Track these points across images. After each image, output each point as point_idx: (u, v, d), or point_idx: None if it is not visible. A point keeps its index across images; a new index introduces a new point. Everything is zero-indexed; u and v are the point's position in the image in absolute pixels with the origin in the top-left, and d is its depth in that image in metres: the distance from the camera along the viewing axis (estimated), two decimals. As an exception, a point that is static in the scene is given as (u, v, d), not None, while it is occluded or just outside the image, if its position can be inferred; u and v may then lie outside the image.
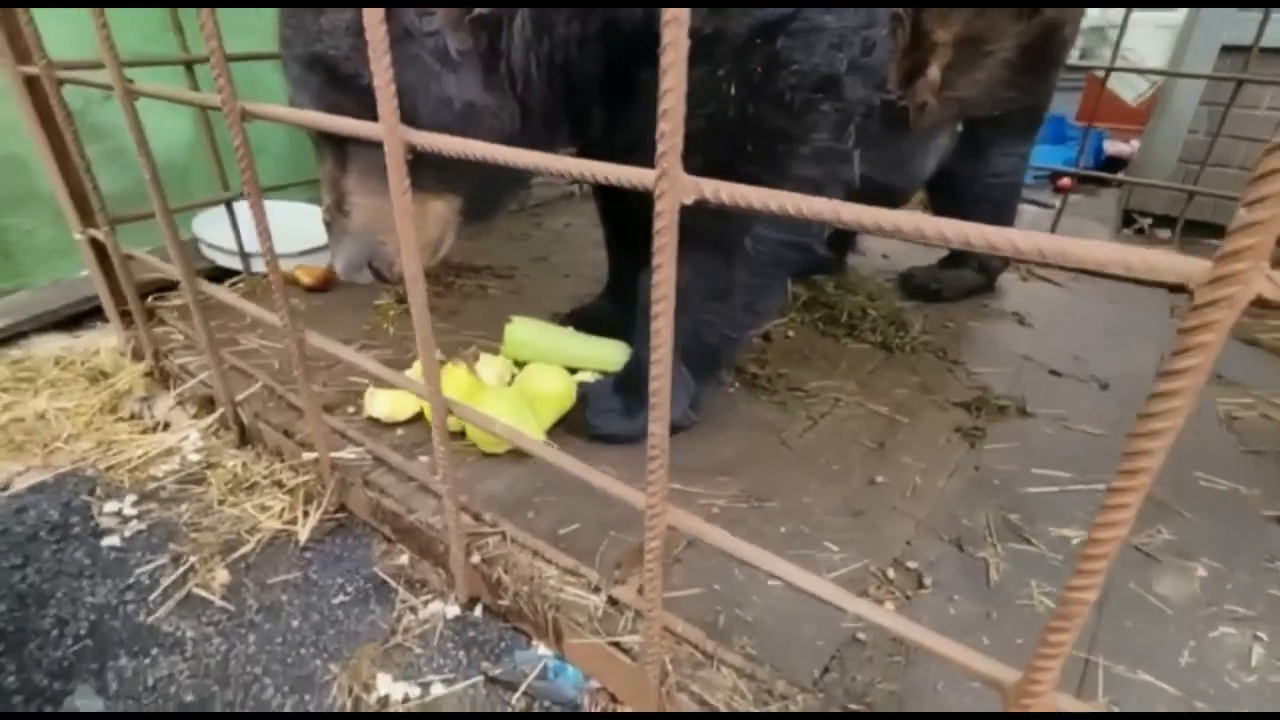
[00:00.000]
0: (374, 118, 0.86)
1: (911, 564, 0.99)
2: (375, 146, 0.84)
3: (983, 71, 1.35)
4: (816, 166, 1.13)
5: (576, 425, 1.25)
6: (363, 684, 0.89)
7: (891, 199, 1.57)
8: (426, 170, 0.92)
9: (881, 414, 1.35)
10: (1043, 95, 1.65)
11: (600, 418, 1.24)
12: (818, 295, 1.81)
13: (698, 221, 1.12)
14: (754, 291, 1.23)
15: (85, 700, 0.86)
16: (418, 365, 1.30)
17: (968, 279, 1.87)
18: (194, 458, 1.32)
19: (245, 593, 1.03)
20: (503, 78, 0.91)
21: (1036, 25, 1.38)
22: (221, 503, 1.19)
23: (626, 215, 1.45)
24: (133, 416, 1.45)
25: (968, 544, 1.03)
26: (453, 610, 1.00)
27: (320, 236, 1.88)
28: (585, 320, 1.52)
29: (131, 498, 1.21)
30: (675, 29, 0.45)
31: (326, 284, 1.85)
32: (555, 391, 1.25)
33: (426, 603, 1.02)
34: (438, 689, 0.90)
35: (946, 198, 1.79)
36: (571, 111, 1.03)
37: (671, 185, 0.50)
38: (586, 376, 1.38)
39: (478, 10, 0.85)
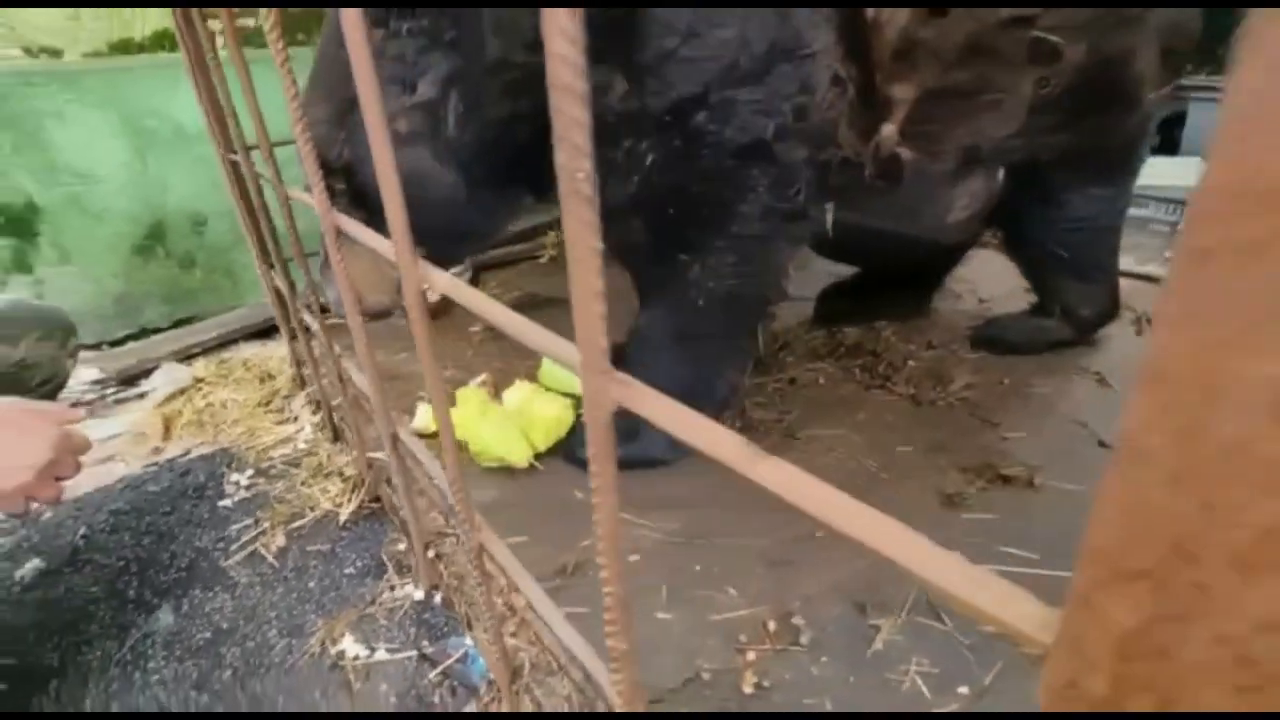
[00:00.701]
0: (346, 185, 1.11)
1: (798, 620, 1.01)
2: (348, 207, 1.13)
3: (993, 120, 1.28)
4: (760, 224, 1.19)
5: (566, 449, 1.42)
6: (332, 639, 1.15)
7: (921, 246, 1.52)
8: (383, 225, 1.15)
9: (868, 470, 1.33)
10: (1127, 134, 1.48)
11: (580, 444, 1.39)
12: (865, 341, 1.78)
13: (641, 264, 1.25)
14: (716, 336, 1.31)
15: (165, 616, 1.22)
16: (422, 408, 1.55)
17: (1049, 330, 1.71)
18: (302, 446, 1.70)
19: (289, 555, 1.35)
20: (445, 152, 1.10)
21: (1076, 66, 1.27)
22: (303, 484, 1.54)
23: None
24: (278, 410, 1.90)
25: (873, 611, 1.03)
26: (419, 595, 1.22)
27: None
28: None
29: (250, 472, 1.61)
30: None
31: (441, 312, 2.21)
32: (549, 416, 1.42)
33: (403, 585, 1.25)
34: (381, 654, 1.12)
35: (1020, 245, 1.66)
36: (521, 174, 1.20)
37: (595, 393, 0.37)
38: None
39: (415, 99, 1.06)
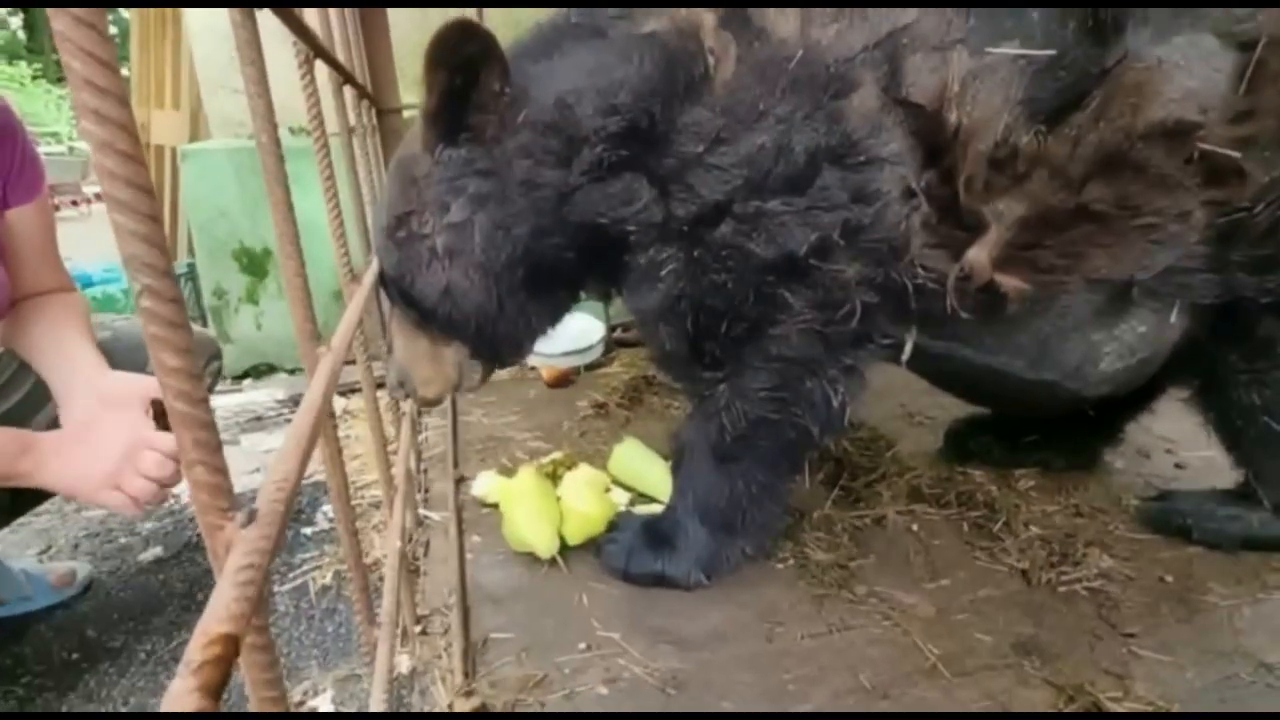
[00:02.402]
0: (398, 291, 1.19)
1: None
2: (403, 307, 1.24)
3: (1145, 250, 1.01)
4: (799, 348, 1.05)
5: (594, 548, 1.34)
6: (315, 690, 1.18)
7: (1059, 397, 1.22)
8: (433, 323, 1.20)
9: (922, 657, 1.07)
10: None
11: (609, 548, 1.31)
12: (988, 489, 1.47)
13: (681, 373, 1.16)
14: (752, 462, 1.17)
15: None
16: (484, 475, 1.57)
17: (1247, 524, 1.27)
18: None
19: (326, 596, 1.43)
20: (476, 269, 1.11)
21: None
22: (374, 528, 1.64)
23: None
24: (394, 454, 2.06)
25: None
26: (406, 668, 1.21)
27: (574, 343, 2.36)
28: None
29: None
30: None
31: (563, 382, 2.26)
32: (584, 512, 1.36)
33: (401, 653, 1.25)
34: None
35: (1217, 407, 1.26)
36: (559, 280, 1.18)
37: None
38: (656, 507, 1.45)
39: (448, 219, 1.09)
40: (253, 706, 0.41)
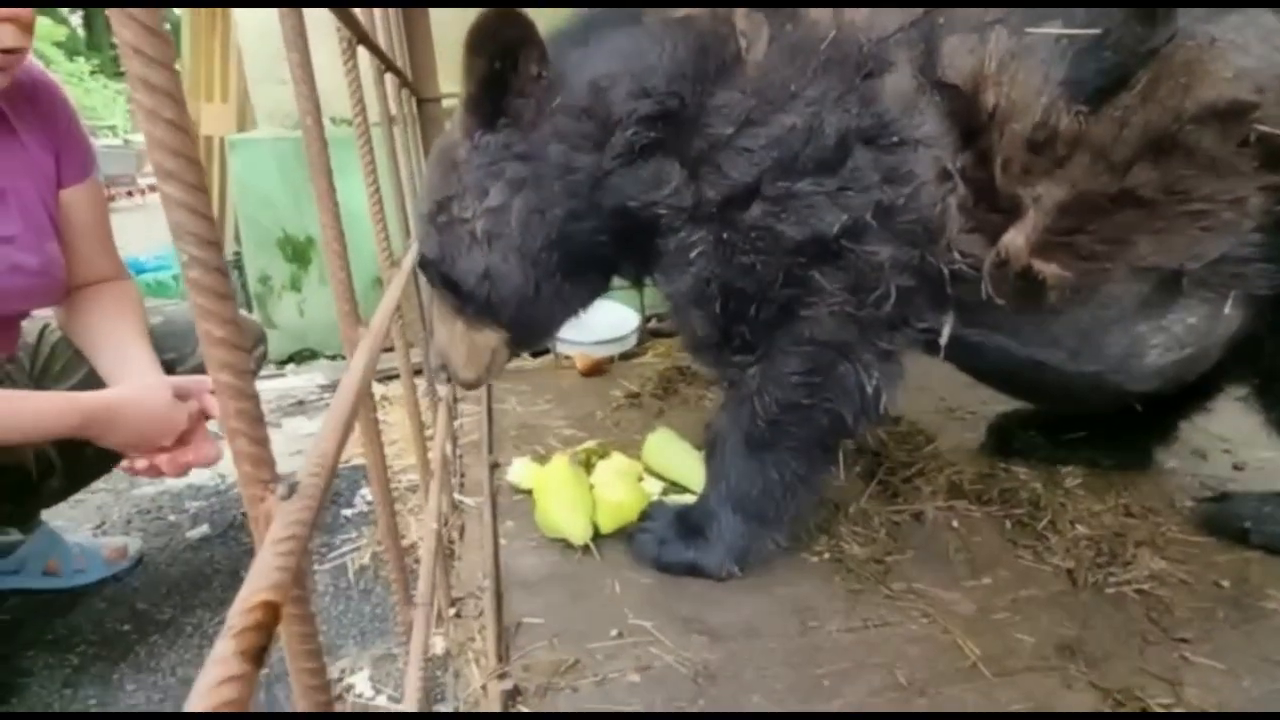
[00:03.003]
0: (440, 276, 1.22)
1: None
2: (442, 291, 1.25)
3: (1195, 237, 0.96)
4: (832, 331, 1.04)
5: (626, 536, 1.34)
6: (352, 669, 1.20)
7: (1104, 390, 1.18)
8: (470, 309, 1.22)
9: (962, 657, 1.05)
10: None
11: (642, 537, 1.30)
12: (1033, 486, 1.43)
13: (713, 358, 1.16)
14: (785, 450, 1.16)
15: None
16: (518, 462, 1.57)
17: (1315, 529, 1.21)
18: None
19: (365, 577, 1.45)
20: (514, 252, 1.13)
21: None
22: (410, 511, 1.66)
23: None
24: (431, 438, 2.09)
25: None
26: (440, 649, 1.23)
27: (609, 332, 2.36)
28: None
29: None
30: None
31: (597, 371, 2.27)
32: (616, 500, 1.36)
33: (436, 634, 1.27)
34: (381, 700, 1.14)
35: (1274, 394, 1.21)
36: (594, 264, 1.19)
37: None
38: (689, 496, 1.44)
39: (486, 204, 1.10)
40: (292, 676, 0.42)
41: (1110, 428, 1.51)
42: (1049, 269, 0.99)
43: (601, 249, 1.15)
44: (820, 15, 0.99)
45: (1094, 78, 0.93)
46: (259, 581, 0.31)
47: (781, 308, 1.05)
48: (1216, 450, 1.57)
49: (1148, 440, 1.53)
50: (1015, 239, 0.97)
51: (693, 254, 1.06)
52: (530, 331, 1.28)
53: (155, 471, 1.20)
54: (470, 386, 1.42)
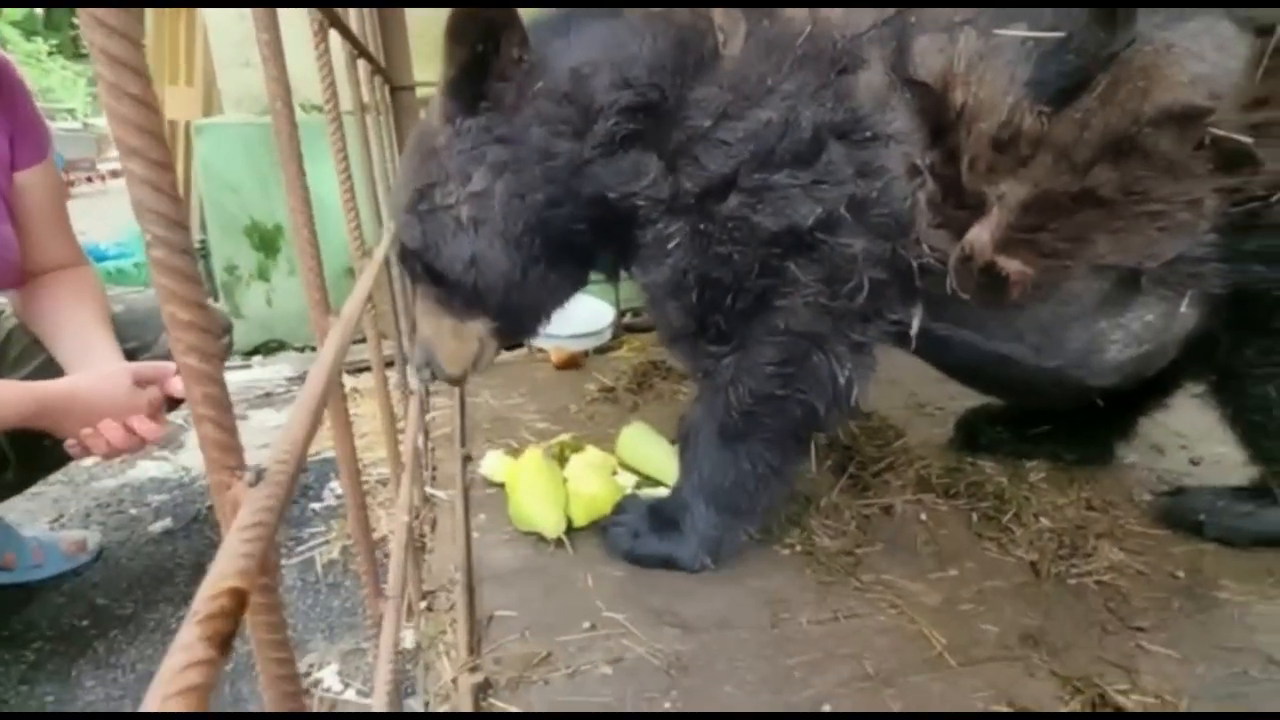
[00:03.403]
0: (423, 266, 1.20)
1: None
2: (428, 284, 1.22)
3: (1152, 237, 0.99)
4: (807, 322, 1.06)
5: (599, 530, 1.34)
6: (320, 664, 1.18)
7: (1066, 386, 1.21)
8: (458, 299, 1.20)
9: (928, 647, 1.07)
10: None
11: (615, 530, 1.30)
12: (998, 480, 1.46)
13: (687, 349, 1.16)
14: (758, 442, 1.17)
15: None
16: (491, 455, 1.57)
17: (1261, 521, 1.25)
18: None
19: (333, 571, 1.44)
20: (499, 237, 1.12)
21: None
22: (380, 504, 1.64)
23: None
24: (402, 432, 2.06)
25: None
26: (410, 643, 1.22)
27: (584, 326, 2.35)
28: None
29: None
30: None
31: (571, 365, 2.26)
32: (590, 494, 1.36)
33: (406, 628, 1.26)
34: (350, 695, 1.13)
35: (1233, 402, 1.24)
36: (573, 254, 1.18)
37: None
38: (662, 490, 1.44)
39: (470, 188, 1.09)
40: (260, 666, 0.41)
41: (1073, 423, 1.55)
42: (1011, 265, 1.01)
43: (580, 237, 1.14)
44: (796, 12, 1.00)
45: (1056, 79, 0.95)
46: (225, 567, 0.31)
47: (757, 298, 1.06)
48: (1174, 446, 1.62)
49: (1108, 436, 1.57)
50: (980, 235, 0.99)
51: (670, 245, 1.07)
52: (518, 320, 1.27)
53: (103, 445, 1.14)
54: (456, 382, 1.41)
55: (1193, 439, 1.62)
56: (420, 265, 1.20)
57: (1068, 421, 1.55)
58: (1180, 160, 0.96)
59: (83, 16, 0.30)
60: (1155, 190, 0.97)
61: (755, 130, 0.98)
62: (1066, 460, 1.55)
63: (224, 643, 0.27)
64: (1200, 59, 0.94)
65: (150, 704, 0.24)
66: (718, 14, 1.02)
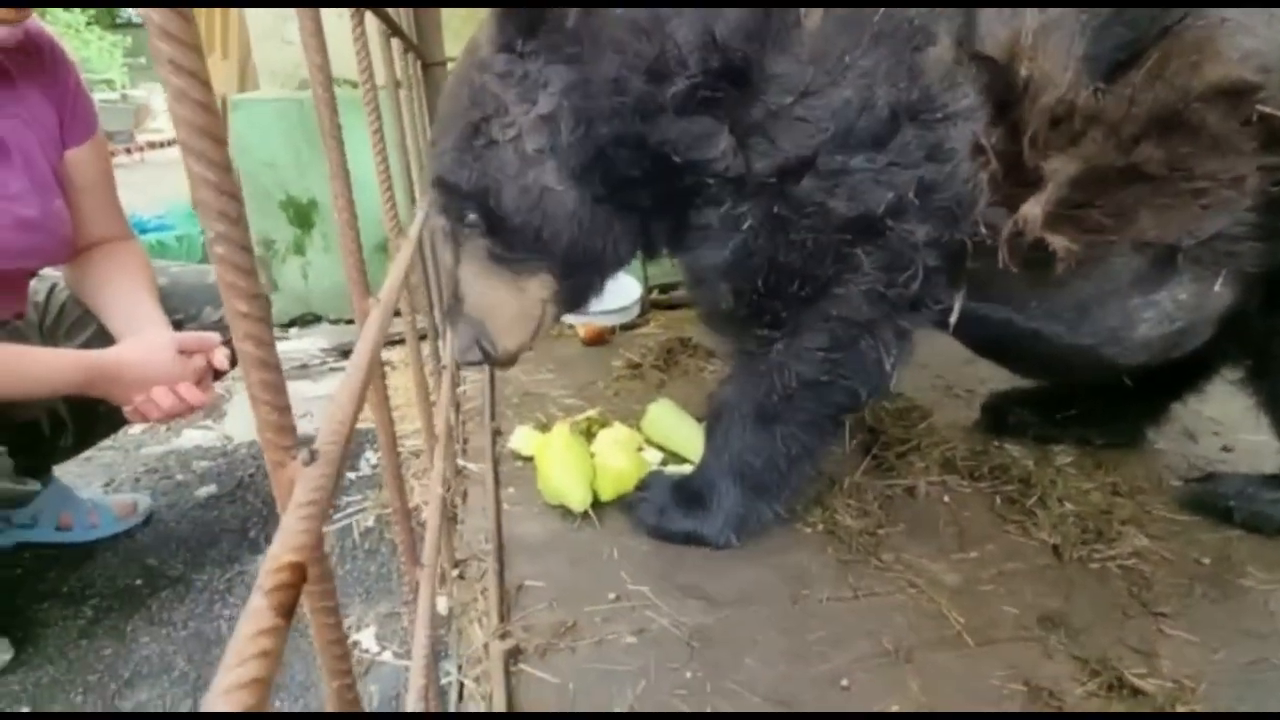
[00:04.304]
0: (478, 210, 1.12)
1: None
2: (481, 235, 1.14)
3: (1194, 213, 0.98)
4: (861, 310, 1.07)
5: (625, 504, 1.37)
6: (358, 626, 1.24)
7: (1096, 363, 1.20)
8: (519, 247, 1.13)
9: (948, 626, 1.08)
10: None
11: (641, 505, 1.33)
12: (1024, 464, 1.45)
13: (735, 332, 1.15)
14: (795, 424, 1.18)
15: (260, 561, 1.42)
16: (520, 429, 1.60)
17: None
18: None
19: (369, 538, 1.49)
20: (566, 170, 1.06)
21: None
22: (414, 475, 1.69)
23: None
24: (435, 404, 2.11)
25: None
26: (444, 608, 1.27)
27: (612, 302, 2.37)
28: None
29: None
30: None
31: (599, 340, 2.28)
32: (617, 469, 1.39)
33: (440, 594, 1.31)
34: (386, 656, 1.18)
35: (1266, 386, 1.23)
36: (636, 208, 1.13)
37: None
38: (687, 467, 1.47)
39: (536, 111, 1.04)
40: (314, 631, 0.44)
41: (1102, 407, 1.53)
42: (1058, 241, 1.00)
43: (638, 193, 1.09)
44: None
45: (1110, 53, 0.93)
46: (286, 543, 0.33)
47: (816, 284, 1.05)
48: (1207, 432, 1.59)
49: (1139, 420, 1.56)
50: (1033, 209, 0.97)
51: (738, 227, 1.05)
52: (582, 274, 1.18)
53: (156, 410, 1.20)
54: (510, 361, 1.28)
55: (1227, 425, 1.60)
56: (475, 210, 1.11)
57: (1097, 405, 1.53)
58: (1226, 136, 0.94)
59: (148, 24, 0.32)
60: (1200, 166, 0.95)
61: (835, 109, 0.96)
62: (1095, 444, 1.54)
63: (289, 611, 0.30)
64: (1252, 34, 0.92)
65: (228, 666, 0.26)
66: None
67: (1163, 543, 1.24)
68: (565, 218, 1.09)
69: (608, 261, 1.20)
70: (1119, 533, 1.25)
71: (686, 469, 1.44)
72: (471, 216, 1.12)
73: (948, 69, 0.96)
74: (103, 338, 1.29)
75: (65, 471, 1.59)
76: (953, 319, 1.13)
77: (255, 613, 0.28)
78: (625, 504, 1.37)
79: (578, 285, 1.22)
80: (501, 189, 1.07)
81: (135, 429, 1.91)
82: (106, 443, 1.71)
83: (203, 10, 3.27)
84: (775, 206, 1.03)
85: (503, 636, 1.07)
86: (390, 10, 1.30)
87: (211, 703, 0.24)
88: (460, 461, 1.57)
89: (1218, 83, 0.91)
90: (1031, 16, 0.93)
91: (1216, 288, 1.08)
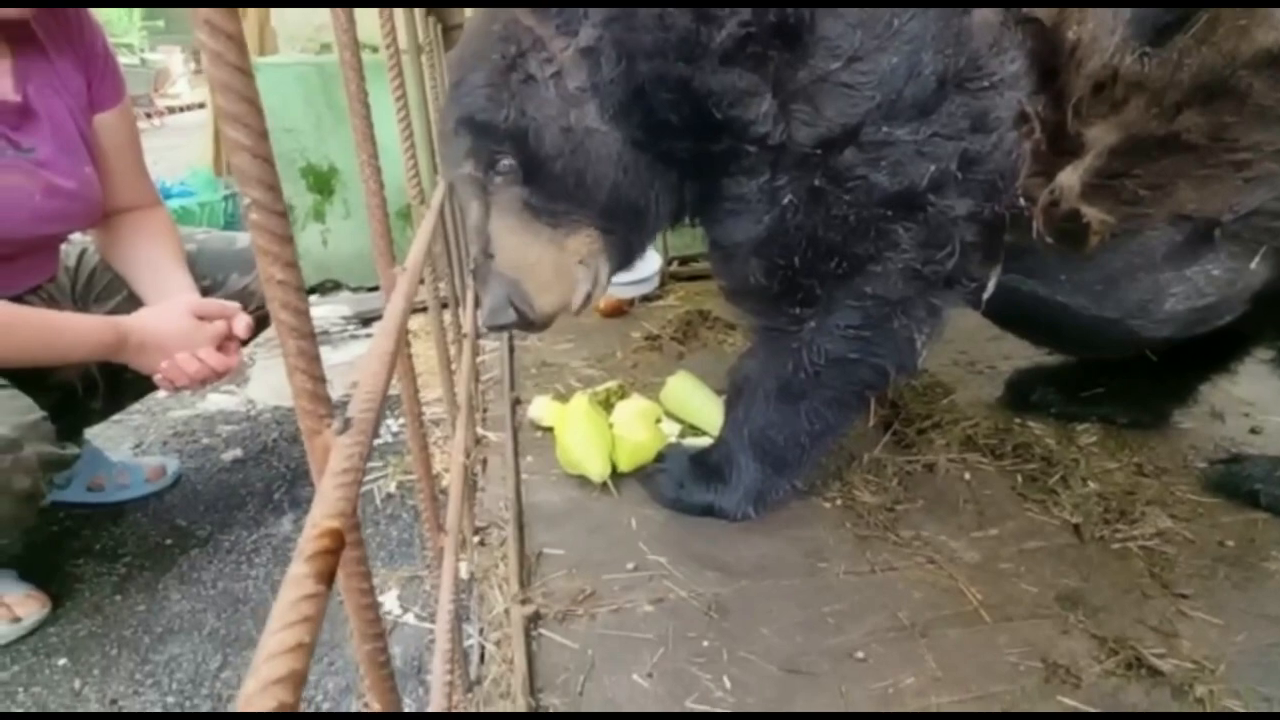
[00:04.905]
0: (515, 153, 1.03)
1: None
2: (516, 184, 1.06)
3: (1236, 186, 0.95)
4: (896, 287, 1.04)
5: (643, 476, 1.38)
6: (380, 589, 1.27)
7: (1121, 337, 1.18)
8: (560, 196, 1.05)
9: (966, 602, 1.09)
10: None
11: (660, 477, 1.34)
12: (1046, 442, 1.44)
13: (763, 308, 1.13)
14: (820, 401, 1.17)
15: (285, 524, 1.45)
16: (539, 399, 1.61)
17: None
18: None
19: (391, 503, 1.52)
20: (609, 108, 0.99)
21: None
22: (434, 443, 1.71)
23: None
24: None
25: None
26: (465, 574, 1.29)
27: (632, 273, 2.35)
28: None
29: (403, 420, 1.83)
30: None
31: (618, 312, 2.27)
32: (635, 441, 1.39)
33: (461, 559, 1.33)
34: (409, 618, 1.21)
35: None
36: (665, 166, 1.07)
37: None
38: (705, 440, 1.47)
39: (578, 43, 0.97)
40: (345, 595, 0.45)
41: (1127, 386, 1.51)
42: (1093, 212, 0.97)
43: (674, 141, 1.03)
44: None
45: (1157, 16, 0.90)
46: (325, 510, 0.34)
47: (853, 260, 1.02)
48: (1235, 413, 1.57)
49: (1165, 400, 1.53)
50: (1070, 179, 0.94)
51: (780, 200, 1.01)
52: (624, 229, 1.11)
53: (182, 376, 1.22)
54: (545, 323, 1.18)
55: (1257, 406, 1.57)
56: (511, 154, 1.03)
57: (1122, 383, 1.51)
58: (1273, 106, 0.91)
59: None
60: (1244, 137, 0.92)
61: (882, 76, 0.91)
62: (1119, 424, 1.52)
63: (328, 577, 0.30)
64: None
65: (273, 630, 0.27)
66: None
67: (1186, 524, 1.23)
68: (609, 161, 1.02)
69: (649, 217, 1.12)
70: (1142, 513, 1.24)
71: (705, 442, 1.45)
72: (506, 162, 1.04)
73: (994, 32, 0.92)
74: (132, 303, 1.31)
75: (95, 434, 1.63)
76: (986, 295, 1.11)
77: (297, 580, 0.29)
78: (643, 475, 1.38)
79: (620, 244, 1.14)
80: (543, 129, 1.00)
81: (161, 394, 1.94)
82: (135, 407, 1.75)
83: (222, -28, 3.24)
84: (816, 179, 0.99)
85: (523, 602, 1.09)
86: (412, -28, 1.29)
87: (259, 669, 0.25)
88: (480, 430, 1.59)
89: (1267, 49, 0.87)
90: None
91: (1253, 265, 1.05)
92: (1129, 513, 1.25)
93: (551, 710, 0.93)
